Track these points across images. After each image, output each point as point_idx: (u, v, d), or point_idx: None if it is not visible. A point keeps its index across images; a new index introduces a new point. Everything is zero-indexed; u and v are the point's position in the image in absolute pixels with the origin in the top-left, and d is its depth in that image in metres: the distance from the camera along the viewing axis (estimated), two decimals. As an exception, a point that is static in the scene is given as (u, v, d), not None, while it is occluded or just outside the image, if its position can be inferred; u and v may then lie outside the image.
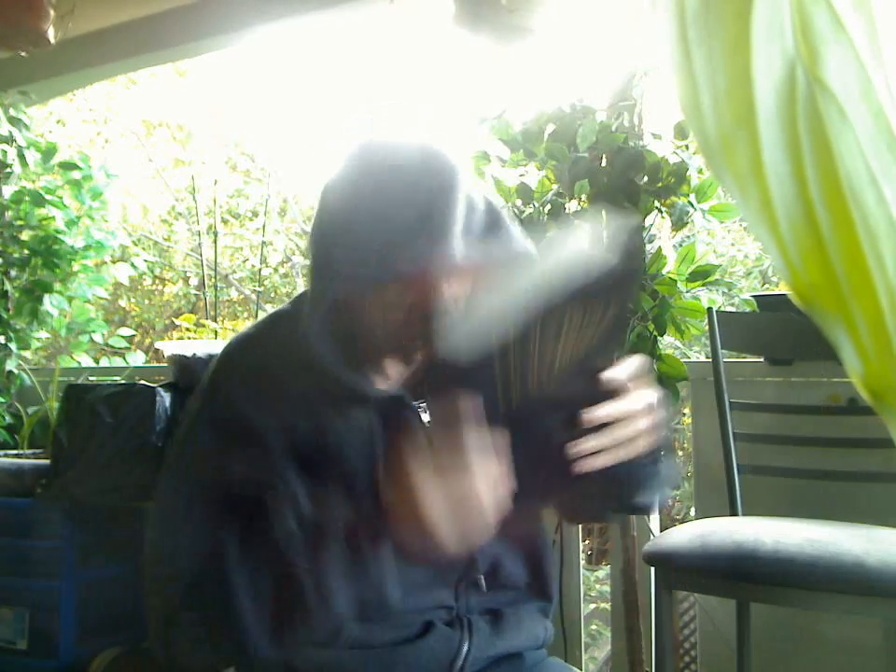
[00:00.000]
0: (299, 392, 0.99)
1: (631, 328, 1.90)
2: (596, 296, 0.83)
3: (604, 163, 2.01)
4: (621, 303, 0.85)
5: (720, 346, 1.76)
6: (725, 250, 4.89)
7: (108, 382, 2.64)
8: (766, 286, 4.58)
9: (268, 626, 0.87)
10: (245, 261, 6.63)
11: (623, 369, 0.87)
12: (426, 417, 1.03)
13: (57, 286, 3.03)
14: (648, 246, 2.06)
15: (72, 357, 3.22)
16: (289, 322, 1.04)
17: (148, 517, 0.98)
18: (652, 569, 1.74)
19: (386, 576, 0.96)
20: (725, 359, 1.80)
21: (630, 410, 0.85)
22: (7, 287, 3.00)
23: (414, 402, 1.03)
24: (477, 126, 2.08)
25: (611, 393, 0.85)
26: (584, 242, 0.84)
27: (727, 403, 1.72)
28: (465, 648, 1.02)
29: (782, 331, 1.80)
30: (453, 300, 0.95)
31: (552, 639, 1.15)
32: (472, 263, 0.92)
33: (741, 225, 4.25)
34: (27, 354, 3.13)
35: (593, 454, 0.84)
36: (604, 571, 3.38)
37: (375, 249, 0.89)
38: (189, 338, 3.55)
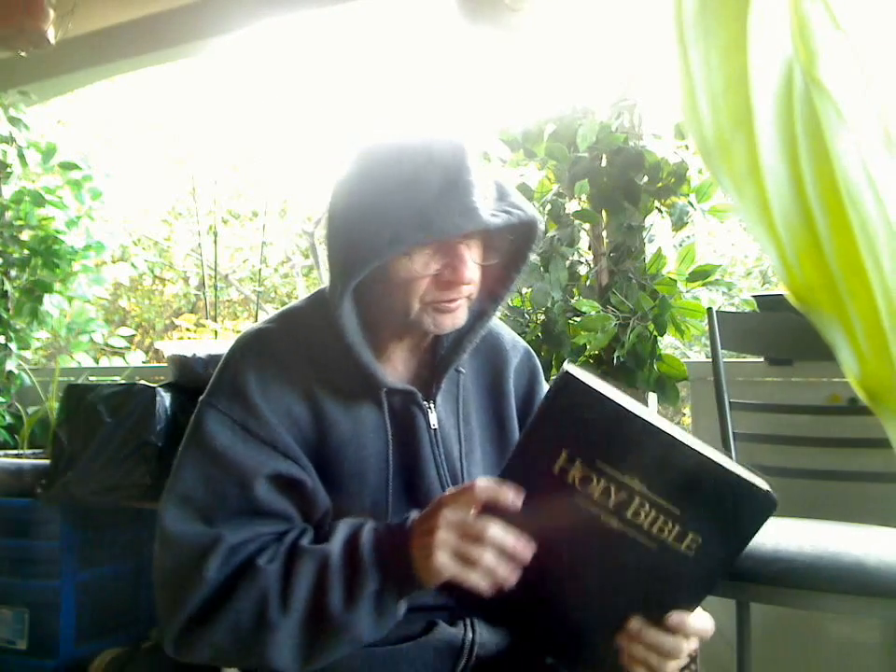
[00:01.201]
0: (313, 384, 0.99)
1: (631, 327, 1.90)
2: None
3: (604, 163, 2.01)
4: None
5: (720, 346, 1.76)
6: (725, 250, 4.89)
7: (108, 382, 2.64)
8: (766, 286, 4.58)
9: (297, 641, 0.88)
10: (245, 261, 6.63)
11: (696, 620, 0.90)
12: (433, 419, 1.04)
13: (57, 286, 3.03)
14: (648, 246, 2.06)
15: (72, 357, 3.22)
16: (303, 317, 1.06)
17: (163, 510, 0.96)
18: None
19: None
20: (725, 359, 1.80)
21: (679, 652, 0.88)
22: (7, 287, 3.00)
23: (424, 401, 1.04)
24: (479, 125, 2.09)
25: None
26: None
27: (727, 403, 1.72)
28: (468, 646, 1.02)
29: (782, 331, 1.80)
30: (475, 273, 0.97)
31: None
32: (495, 229, 0.94)
33: (741, 225, 4.25)
34: (27, 354, 3.13)
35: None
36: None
37: (405, 212, 0.92)
38: (189, 338, 3.55)
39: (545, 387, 1.19)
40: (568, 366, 0.79)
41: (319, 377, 1.00)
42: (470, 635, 1.03)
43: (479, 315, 1.05)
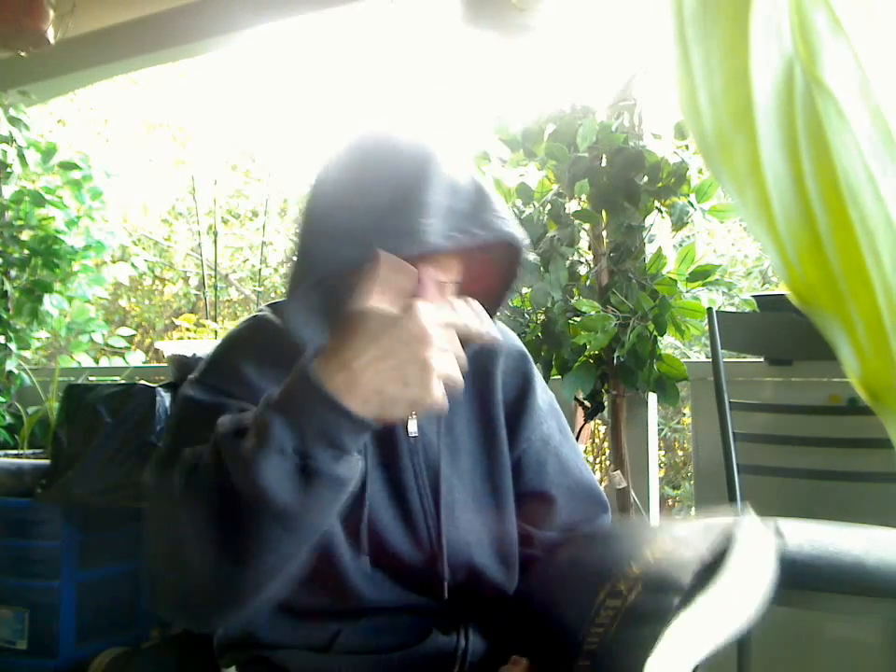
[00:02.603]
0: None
1: (631, 327, 1.90)
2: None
3: (604, 163, 2.01)
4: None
5: (720, 346, 1.76)
6: (725, 250, 4.89)
7: (108, 382, 2.64)
8: (766, 285, 4.58)
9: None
10: (245, 261, 6.63)
11: None
12: (412, 426, 1.02)
13: (57, 286, 3.03)
14: (648, 246, 2.06)
15: (72, 357, 3.22)
16: (268, 322, 1.04)
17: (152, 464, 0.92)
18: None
19: (358, 573, 0.96)
20: (725, 359, 1.80)
21: None
22: (7, 286, 3.00)
23: None
24: (479, 125, 2.09)
25: None
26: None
27: (727, 403, 1.72)
28: (461, 654, 1.02)
29: (782, 331, 1.80)
30: (435, 285, 0.92)
31: None
32: (454, 245, 0.89)
33: (741, 225, 4.25)
34: (27, 354, 3.13)
35: None
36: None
37: (352, 228, 0.87)
38: (189, 338, 3.55)
39: (540, 393, 1.13)
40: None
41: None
42: (463, 643, 1.02)
43: None
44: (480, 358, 1.06)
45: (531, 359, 1.15)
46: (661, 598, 0.80)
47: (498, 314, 1.02)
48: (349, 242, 0.87)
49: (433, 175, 0.90)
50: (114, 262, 3.35)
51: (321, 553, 0.91)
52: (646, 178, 1.95)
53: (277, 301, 1.09)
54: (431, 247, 0.87)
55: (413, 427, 1.02)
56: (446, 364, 0.75)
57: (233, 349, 1.01)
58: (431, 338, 0.74)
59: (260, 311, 1.07)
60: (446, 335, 0.76)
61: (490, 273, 1.02)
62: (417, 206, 0.87)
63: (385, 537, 0.99)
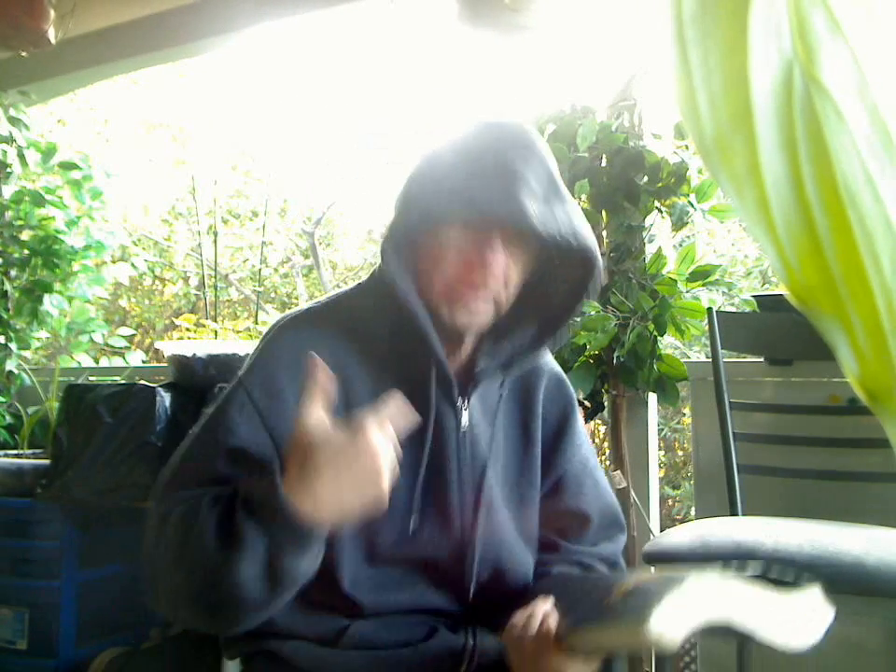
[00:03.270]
0: (350, 366, 0.99)
1: (631, 327, 1.90)
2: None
3: (604, 163, 2.01)
4: None
5: (720, 346, 1.76)
6: (725, 250, 4.89)
7: (108, 382, 2.64)
8: (766, 286, 4.58)
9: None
10: (245, 261, 6.63)
11: None
12: (464, 420, 1.03)
13: (57, 286, 3.03)
14: (648, 246, 2.06)
15: (72, 357, 3.22)
16: (348, 300, 1.06)
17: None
18: (652, 569, 1.73)
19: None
20: (725, 359, 1.80)
21: None
22: (7, 287, 3.00)
23: (459, 397, 1.03)
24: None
25: None
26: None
27: (727, 403, 1.72)
28: (468, 653, 1.02)
29: (782, 331, 1.80)
30: (499, 264, 0.96)
31: None
32: (527, 220, 0.93)
33: (741, 225, 4.25)
34: (27, 354, 3.13)
35: None
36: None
37: (450, 185, 0.94)
38: (189, 338, 3.55)
39: (579, 417, 1.18)
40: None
41: (358, 360, 1.00)
42: (471, 641, 1.03)
43: (535, 339, 1.05)
44: (525, 377, 1.12)
45: (570, 384, 1.20)
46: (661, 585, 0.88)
47: (564, 327, 1.06)
48: (453, 197, 0.94)
49: (530, 159, 0.97)
50: (114, 262, 3.35)
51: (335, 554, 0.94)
52: (646, 178, 1.95)
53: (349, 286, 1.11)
54: (521, 215, 0.92)
55: (465, 421, 1.04)
56: (390, 461, 0.83)
57: (292, 347, 1.00)
58: (381, 450, 0.81)
59: (340, 292, 1.09)
60: (389, 439, 0.84)
61: (551, 286, 1.06)
62: (515, 178, 0.94)
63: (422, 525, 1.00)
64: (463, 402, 1.03)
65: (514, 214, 0.92)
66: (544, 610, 0.92)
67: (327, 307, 1.06)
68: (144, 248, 6.16)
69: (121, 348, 3.35)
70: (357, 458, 0.80)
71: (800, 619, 0.87)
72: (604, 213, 2.00)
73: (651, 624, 0.77)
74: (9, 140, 3.00)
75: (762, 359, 2.03)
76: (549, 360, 1.19)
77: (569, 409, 1.16)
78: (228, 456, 0.93)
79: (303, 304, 1.10)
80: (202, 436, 0.97)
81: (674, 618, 0.79)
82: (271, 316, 5.14)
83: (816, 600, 0.88)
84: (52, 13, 2.49)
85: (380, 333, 1.01)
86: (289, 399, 0.95)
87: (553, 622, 0.90)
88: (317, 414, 0.83)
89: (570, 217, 0.98)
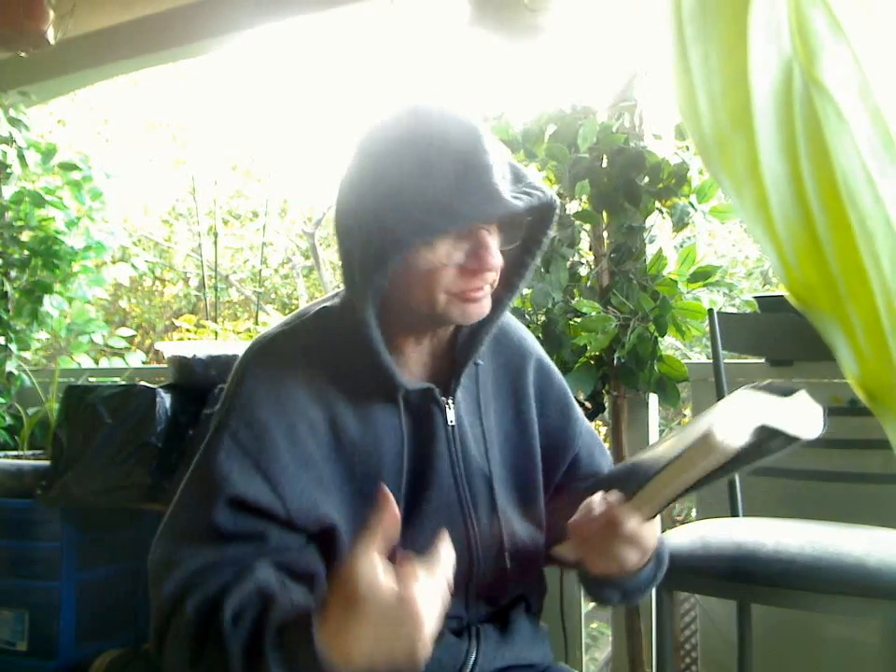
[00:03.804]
0: (327, 385, 0.97)
1: (632, 328, 1.90)
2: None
3: (605, 164, 2.01)
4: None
5: (721, 347, 1.76)
6: (726, 251, 4.89)
7: (108, 382, 2.64)
8: (767, 286, 4.58)
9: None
10: (245, 262, 6.64)
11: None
12: (451, 415, 1.03)
13: (57, 286, 3.03)
14: (649, 247, 2.06)
15: (72, 358, 3.22)
16: (315, 321, 1.03)
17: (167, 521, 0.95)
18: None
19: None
20: (726, 360, 1.80)
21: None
22: (7, 287, 3.00)
23: (442, 397, 1.03)
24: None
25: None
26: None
27: (727, 404, 1.72)
28: (472, 657, 1.01)
29: (783, 332, 1.79)
30: (499, 259, 0.95)
31: (549, 653, 1.14)
32: (516, 211, 0.92)
33: (742, 226, 4.25)
34: (27, 354, 3.13)
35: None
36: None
37: (422, 200, 0.89)
38: (190, 339, 3.55)
39: (567, 388, 1.19)
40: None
41: (333, 378, 0.98)
42: (475, 646, 1.02)
43: (495, 303, 1.01)
44: (513, 354, 1.13)
45: (550, 362, 1.21)
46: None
47: (522, 284, 1.04)
48: (430, 209, 0.89)
49: (484, 142, 0.93)
50: (114, 263, 3.35)
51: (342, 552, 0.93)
52: (647, 179, 1.95)
53: (324, 300, 1.07)
54: (512, 207, 0.90)
55: (452, 416, 1.03)
56: (435, 621, 0.78)
57: (270, 382, 0.97)
58: (424, 620, 0.76)
59: (302, 312, 1.06)
60: (439, 591, 0.79)
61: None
62: (484, 171, 0.90)
63: (420, 523, 0.99)
64: (448, 398, 1.03)
65: (499, 209, 0.90)
66: (598, 497, 0.93)
67: (294, 331, 1.02)
68: (144, 249, 6.17)
69: (121, 349, 3.35)
70: (402, 625, 0.76)
71: (807, 415, 0.93)
72: (605, 213, 2.00)
73: (714, 431, 0.80)
74: (9, 141, 3.00)
75: (763, 360, 2.03)
76: (530, 342, 1.18)
77: (562, 390, 1.18)
78: (225, 506, 0.91)
79: (270, 328, 1.05)
80: (193, 488, 0.95)
81: (731, 425, 0.82)
82: (271, 317, 5.14)
83: (809, 399, 0.93)
84: (52, 14, 2.49)
85: (347, 352, 0.98)
86: (275, 434, 0.93)
87: (613, 497, 0.92)
88: (372, 557, 0.77)
89: (527, 176, 0.97)
